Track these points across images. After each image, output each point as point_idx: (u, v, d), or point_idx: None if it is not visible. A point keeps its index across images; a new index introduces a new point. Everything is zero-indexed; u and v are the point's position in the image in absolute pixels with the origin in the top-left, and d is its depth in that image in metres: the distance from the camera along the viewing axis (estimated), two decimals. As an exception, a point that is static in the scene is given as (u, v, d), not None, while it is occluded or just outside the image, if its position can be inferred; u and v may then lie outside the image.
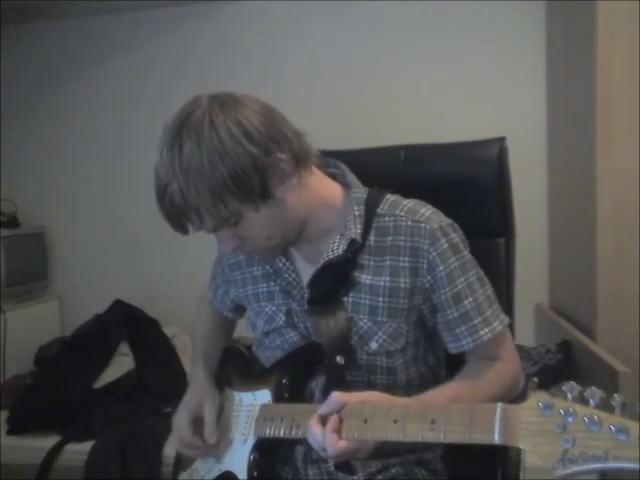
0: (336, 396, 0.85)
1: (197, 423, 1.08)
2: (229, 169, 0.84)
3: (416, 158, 1.25)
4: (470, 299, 0.96)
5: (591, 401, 0.62)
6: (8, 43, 2.61)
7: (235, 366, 1.16)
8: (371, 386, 0.99)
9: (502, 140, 1.19)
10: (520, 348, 1.86)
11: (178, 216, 0.89)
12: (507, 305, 1.18)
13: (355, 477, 1.01)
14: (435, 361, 1.07)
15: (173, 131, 0.88)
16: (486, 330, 0.96)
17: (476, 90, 2.28)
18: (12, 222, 2.45)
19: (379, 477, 1.02)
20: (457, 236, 0.98)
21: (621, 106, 1.63)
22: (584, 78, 1.73)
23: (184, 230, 0.93)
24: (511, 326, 1.18)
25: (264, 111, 0.91)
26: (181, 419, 1.08)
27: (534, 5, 2.22)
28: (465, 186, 1.18)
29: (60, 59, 2.63)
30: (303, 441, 0.93)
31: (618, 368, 1.40)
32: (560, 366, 1.76)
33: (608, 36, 1.62)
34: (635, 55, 1.60)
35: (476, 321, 0.96)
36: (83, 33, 2.59)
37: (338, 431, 0.82)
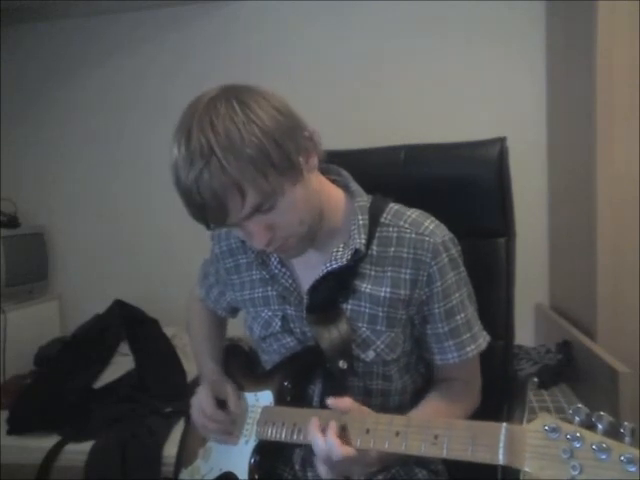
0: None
1: (217, 403, 1.07)
2: (266, 136, 0.81)
3: (416, 158, 1.25)
4: (462, 315, 0.98)
5: (599, 426, 0.61)
6: (8, 43, 2.61)
7: (238, 366, 1.16)
8: (367, 391, 1.00)
9: (502, 140, 1.18)
10: (520, 348, 1.86)
11: (218, 198, 0.81)
12: (507, 305, 1.18)
13: (354, 476, 1.01)
14: (426, 369, 1.08)
15: (196, 115, 0.82)
16: (472, 347, 0.99)
17: (476, 90, 2.28)
18: (12, 222, 2.45)
19: (379, 477, 1.02)
20: (456, 251, 0.99)
21: (621, 106, 1.63)
22: (584, 78, 1.73)
23: (223, 214, 0.83)
24: (511, 326, 1.19)
25: (280, 106, 0.88)
26: (202, 395, 1.07)
27: (534, 5, 2.22)
28: (465, 186, 1.18)
29: (60, 59, 2.63)
30: (302, 445, 0.93)
31: (618, 368, 1.40)
32: (560, 366, 1.76)
33: (608, 36, 1.62)
34: (635, 55, 1.60)
35: (464, 337, 0.99)
36: (83, 33, 2.60)
37: (341, 437, 0.82)
